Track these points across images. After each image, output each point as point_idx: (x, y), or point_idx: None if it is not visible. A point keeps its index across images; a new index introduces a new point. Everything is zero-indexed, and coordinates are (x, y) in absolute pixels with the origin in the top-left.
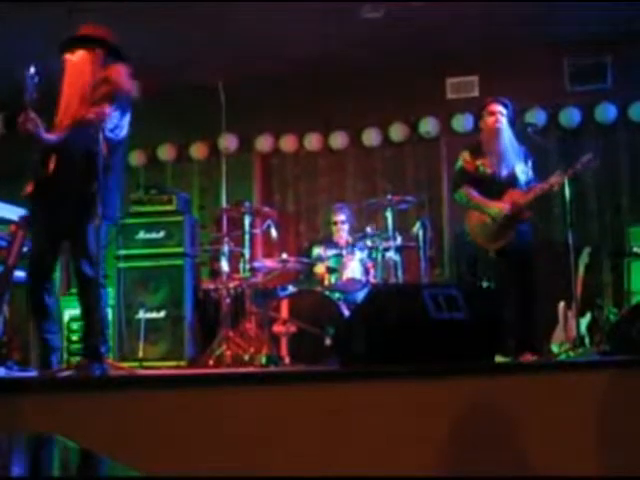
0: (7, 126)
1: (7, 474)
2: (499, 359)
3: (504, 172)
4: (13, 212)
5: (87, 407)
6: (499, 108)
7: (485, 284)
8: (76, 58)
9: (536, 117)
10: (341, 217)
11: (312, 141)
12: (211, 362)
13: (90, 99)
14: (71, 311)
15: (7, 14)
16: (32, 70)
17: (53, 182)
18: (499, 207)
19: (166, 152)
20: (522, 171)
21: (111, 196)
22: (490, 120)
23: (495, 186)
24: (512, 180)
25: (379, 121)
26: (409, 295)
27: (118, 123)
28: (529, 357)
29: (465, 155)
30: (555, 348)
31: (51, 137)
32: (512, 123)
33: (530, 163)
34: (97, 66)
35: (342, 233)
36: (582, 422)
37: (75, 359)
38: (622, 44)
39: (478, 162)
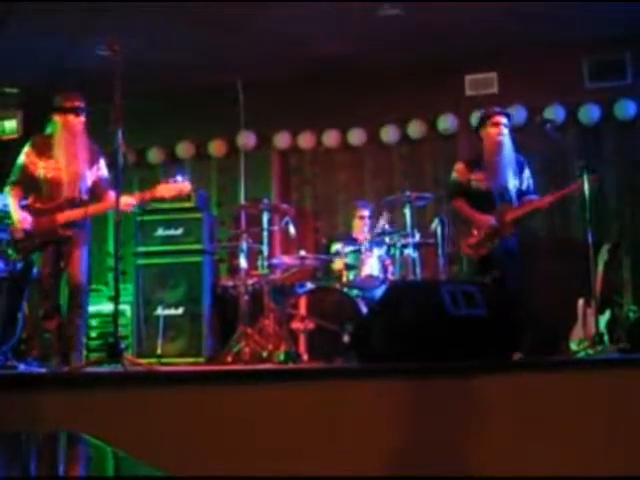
0: (25, 126)
1: (25, 471)
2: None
3: (497, 187)
4: None
5: (105, 403)
6: (503, 119)
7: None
8: (80, 123)
9: (555, 113)
10: (365, 212)
11: (330, 138)
12: (229, 359)
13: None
14: (90, 307)
15: (26, 15)
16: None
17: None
18: (486, 219)
19: (185, 149)
20: (515, 185)
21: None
22: (494, 131)
23: (487, 200)
24: (504, 195)
25: (397, 118)
26: (427, 292)
27: None
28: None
29: (459, 167)
30: (574, 346)
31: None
32: (511, 132)
33: (527, 172)
34: None
35: (364, 228)
36: (600, 420)
37: (94, 355)
38: None
39: (472, 176)
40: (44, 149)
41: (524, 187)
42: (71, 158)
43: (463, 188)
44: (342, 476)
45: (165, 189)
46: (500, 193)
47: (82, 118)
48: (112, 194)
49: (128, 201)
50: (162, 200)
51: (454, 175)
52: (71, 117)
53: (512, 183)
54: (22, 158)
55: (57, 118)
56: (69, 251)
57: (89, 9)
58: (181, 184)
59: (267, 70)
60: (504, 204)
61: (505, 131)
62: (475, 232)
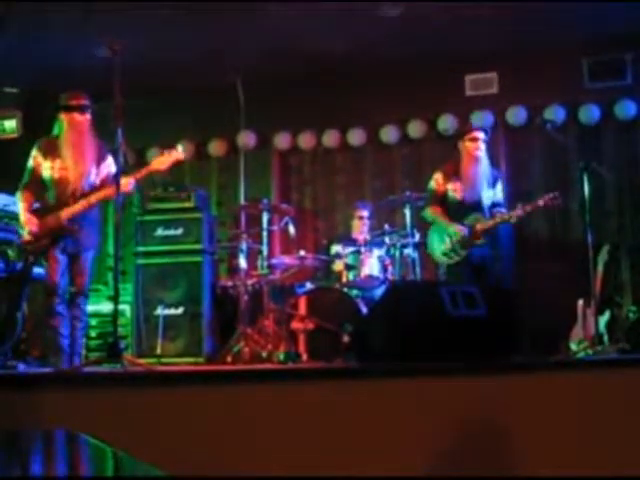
0: (25, 125)
1: (24, 471)
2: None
3: (471, 198)
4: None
5: (105, 403)
6: (481, 135)
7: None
8: (86, 121)
9: (555, 114)
10: (365, 213)
11: (330, 138)
12: (229, 359)
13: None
14: (89, 307)
15: (26, 14)
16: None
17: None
18: (459, 229)
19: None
20: (488, 197)
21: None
22: (472, 147)
23: (460, 210)
24: (477, 206)
25: (397, 118)
26: (427, 292)
27: None
28: None
29: (438, 177)
30: (574, 346)
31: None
32: (487, 146)
33: (499, 186)
34: None
35: (364, 228)
36: (600, 420)
37: (93, 355)
38: None
39: (449, 186)
40: (50, 150)
41: (496, 200)
42: (78, 157)
43: (440, 197)
44: (342, 476)
45: (159, 161)
46: (473, 204)
47: (88, 116)
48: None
49: (127, 181)
50: (162, 199)
51: (432, 184)
52: (77, 115)
53: (485, 195)
54: (30, 162)
55: (63, 117)
56: (75, 253)
57: (88, 9)
58: (175, 153)
59: (267, 70)
60: (476, 215)
61: (482, 146)
62: (447, 240)
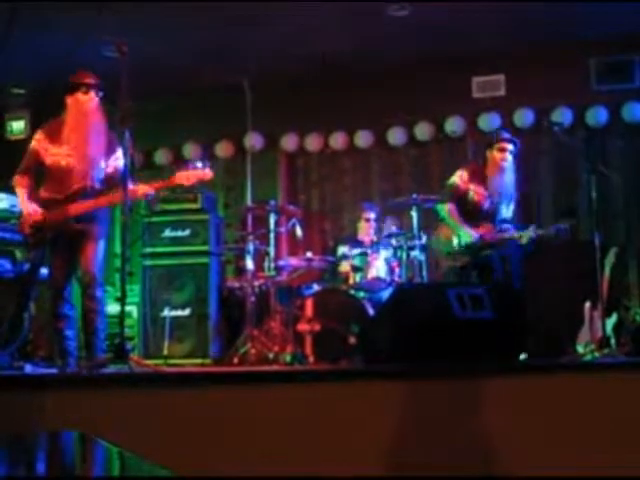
0: (33, 126)
1: (31, 471)
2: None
3: (488, 206)
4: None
5: (112, 404)
6: (510, 146)
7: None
8: (90, 100)
9: (562, 116)
10: (371, 215)
11: (337, 140)
12: (236, 360)
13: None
14: None
15: (33, 15)
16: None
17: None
18: (470, 233)
19: (191, 150)
20: (504, 211)
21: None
22: (499, 156)
23: (475, 214)
24: (491, 215)
25: (405, 120)
26: (434, 294)
27: None
28: None
29: (463, 174)
30: (580, 348)
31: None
32: (515, 157)
33: (513, 206)
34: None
35: (370, 230)
36: (606, 422)
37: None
38: None
39: (471, 186)
40: (55, 134)
41: (509, 215)
42: (81, 140)
43: (460, 195)
44: (347, 476)
45: (184, 176)
46: (490, 213)
47: (93, 95)
48: (128, 185)
49: (145, 189)
50: (169, 200)
51: (455, 179)
52: (80, 95)
53: (503, 208)
54: (33, 144)
55: (68, 99)
56: (82, 244)
57: (95, 9)
58: (201, 171)
59: (274, 71)
60: (489, 224)
61: (509, 158)
62: (455, 241)
